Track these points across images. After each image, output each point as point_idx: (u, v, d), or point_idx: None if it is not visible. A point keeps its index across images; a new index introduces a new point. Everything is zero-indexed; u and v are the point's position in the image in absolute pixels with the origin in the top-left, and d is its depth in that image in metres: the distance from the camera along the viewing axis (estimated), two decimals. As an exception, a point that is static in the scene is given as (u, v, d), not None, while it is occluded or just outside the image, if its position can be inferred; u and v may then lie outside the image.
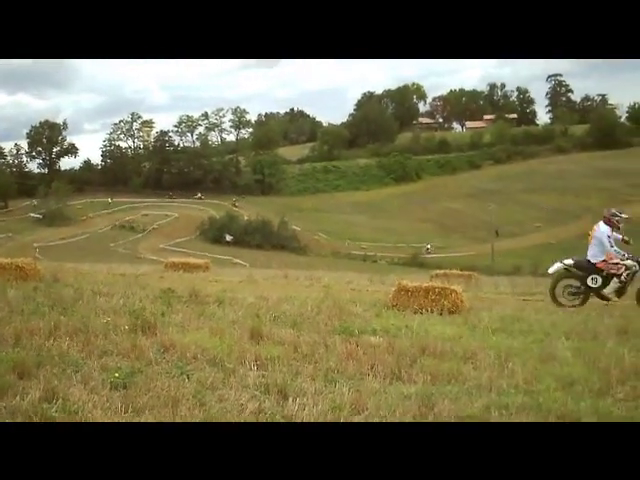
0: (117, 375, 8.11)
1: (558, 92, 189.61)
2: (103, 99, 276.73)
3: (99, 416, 6.64)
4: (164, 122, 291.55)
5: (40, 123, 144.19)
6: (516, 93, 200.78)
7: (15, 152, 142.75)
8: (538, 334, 12.47)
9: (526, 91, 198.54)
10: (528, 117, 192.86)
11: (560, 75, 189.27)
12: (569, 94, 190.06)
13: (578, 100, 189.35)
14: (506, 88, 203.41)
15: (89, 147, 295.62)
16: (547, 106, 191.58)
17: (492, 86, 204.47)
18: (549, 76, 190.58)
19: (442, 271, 31.24)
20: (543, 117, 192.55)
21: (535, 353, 10.38)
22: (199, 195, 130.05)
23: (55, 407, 6.89)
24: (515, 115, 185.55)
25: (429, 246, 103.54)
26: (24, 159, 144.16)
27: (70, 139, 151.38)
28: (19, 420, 6.46)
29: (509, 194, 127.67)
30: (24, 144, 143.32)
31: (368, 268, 64.88)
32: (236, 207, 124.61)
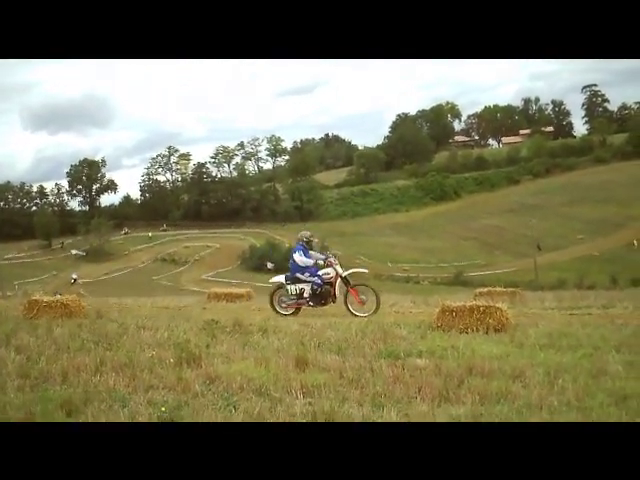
0: (163, 409, 8.10)
1: (594, 102, 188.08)
2: (141, 135, 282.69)
3: (147, 451, 6.62)
4: (201, 154, 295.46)
5: (79, 162, 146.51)
6: (551, 106, 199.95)
7: (56, 191, 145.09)
8: (587, 348, 12.26)
9: (561, 103, 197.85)
10: (565, 129, 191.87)
11: (595, 85, 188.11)
12: (605, 104, 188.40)
13: (615, 109, 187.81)
14: (541, 101, 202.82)
15: (128, 182, 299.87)
16: (584, 117, 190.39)
17: (526, 100, 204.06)
18: (584, 87, 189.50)
19: (486, 289, 30.95)
20: (580, 129, 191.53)
21: (585, 368, 10.19)
22: (125, 230, 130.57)
23: (103, 444, 6.89)
24: (551, 128, 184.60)
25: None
26: (65, 198, 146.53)
27: (109, 175, 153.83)
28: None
29: (549, 208, 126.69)
30: (65, 183, 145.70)
31: (411, 289, 64.55)
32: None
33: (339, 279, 18.56)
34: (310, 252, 19.47)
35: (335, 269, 18.62)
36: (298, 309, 19.12)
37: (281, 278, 19.88)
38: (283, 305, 19.31)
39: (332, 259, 18.96)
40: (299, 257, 19.05)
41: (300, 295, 18.85)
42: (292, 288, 19.01)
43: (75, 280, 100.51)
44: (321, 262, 18.97)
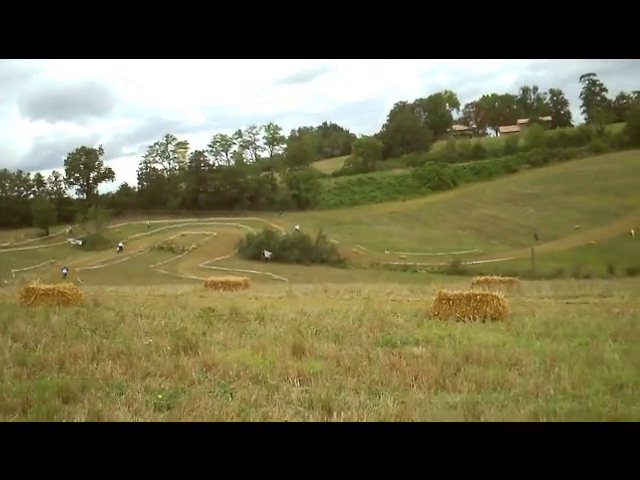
0: (160, 396, 8.12)
1: (592, 92, 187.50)
2: (141, 123, 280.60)
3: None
4: (199, 142, 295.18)
5: (77, 150, 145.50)
6: (549, 95, 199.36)
7: (54, 179, 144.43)
8: (583, 337, 12.32)
9: (560, 93, 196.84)
10: (563, 119, 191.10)
11: (594, 74, 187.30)
12: (604, 93, 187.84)
13: (613, 99, 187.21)
14: (539, 91, 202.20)
15: (127, 170, 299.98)
16: (582, 106, 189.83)
17: (525, 90, 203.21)
18: (582, 76, 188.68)
19: (483, 278, 30.95)
20: (578, 118, 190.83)
21: (581, 357, 10.24)
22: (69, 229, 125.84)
23: (100, 431, 6.90)
24: (549, 117, 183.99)
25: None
26: (63, 186, 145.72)
27: (108, 163, 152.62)
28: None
29: (547, 197, 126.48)
30: (62, 171, 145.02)
31: (408, 278, 64.53)
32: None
33: None
34: None
35: None
36: None
37: None
38: None
39: None
40: None
41: None
42: None
43: (121, 248, 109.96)
44: None
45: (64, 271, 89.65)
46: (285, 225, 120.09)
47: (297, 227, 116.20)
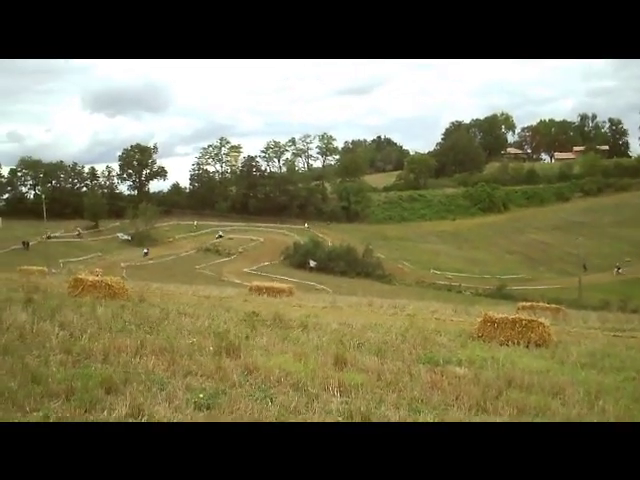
0: (201, 395, 8.16)
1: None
2: (197, 123, 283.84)
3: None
4: (252, 147, 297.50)
5: (131, 146, 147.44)
6: (608, 124, 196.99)
7: (107, 174, 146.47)
8: (630, 371, 12.11)
9: (619, 122, 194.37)
10: (621, 149, 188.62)
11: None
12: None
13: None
14: (598, 119, 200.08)
15: (180, 170, 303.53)
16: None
17: (583, 117, 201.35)
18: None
19: (529, 303, 30.66)
20: (637, 149, 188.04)
21: (628, 391, 10.07)
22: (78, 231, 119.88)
23: (140, 424, 6.96)
24: (607, 147, 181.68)
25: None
26: (115, 181, 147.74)
27: (162, 162, 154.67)
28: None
29: (598, 227, 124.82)
30: (116, 166, 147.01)
31: (453, 298, 64.13)
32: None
33: None
34: None
35: None
36: None
37: None
38: None
39: None
40: None
41: None
42: None
43: (221, 236, 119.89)
44: None
45: (145, 250, 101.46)
46: (332, 236, 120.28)
47: (306, 225, 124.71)
